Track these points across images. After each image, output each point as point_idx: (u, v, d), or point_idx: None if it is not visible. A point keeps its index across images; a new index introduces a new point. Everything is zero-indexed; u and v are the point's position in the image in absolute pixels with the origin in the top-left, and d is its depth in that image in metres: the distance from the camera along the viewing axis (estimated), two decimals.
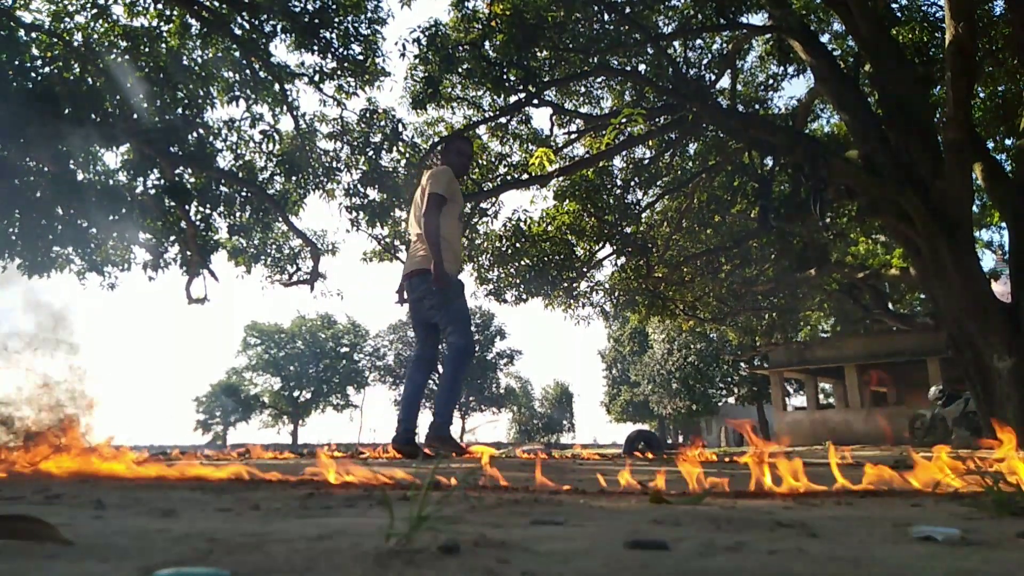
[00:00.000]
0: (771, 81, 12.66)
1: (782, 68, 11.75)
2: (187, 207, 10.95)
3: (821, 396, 25.81)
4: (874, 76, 9.14)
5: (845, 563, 0.85)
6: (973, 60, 7.88)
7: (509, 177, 11.81)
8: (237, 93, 10.52)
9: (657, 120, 11.04)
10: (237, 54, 10.26)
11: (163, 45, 10.03)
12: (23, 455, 2.37)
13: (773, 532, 1.10)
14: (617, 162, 12.96)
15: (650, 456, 5.41)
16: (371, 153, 10.89)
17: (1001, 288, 11.56)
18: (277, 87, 10.62)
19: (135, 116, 9.77)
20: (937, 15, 9.90)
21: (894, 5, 10.24)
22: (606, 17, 9.55)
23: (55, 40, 9.42)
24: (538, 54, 9.99)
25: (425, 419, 4.04)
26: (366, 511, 1.40)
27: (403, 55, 9.87)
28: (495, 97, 11.00)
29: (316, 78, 10.49)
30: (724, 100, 11.45)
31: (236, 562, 0.80)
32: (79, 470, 2.36)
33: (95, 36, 9.82)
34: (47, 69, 9.20)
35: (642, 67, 11.18)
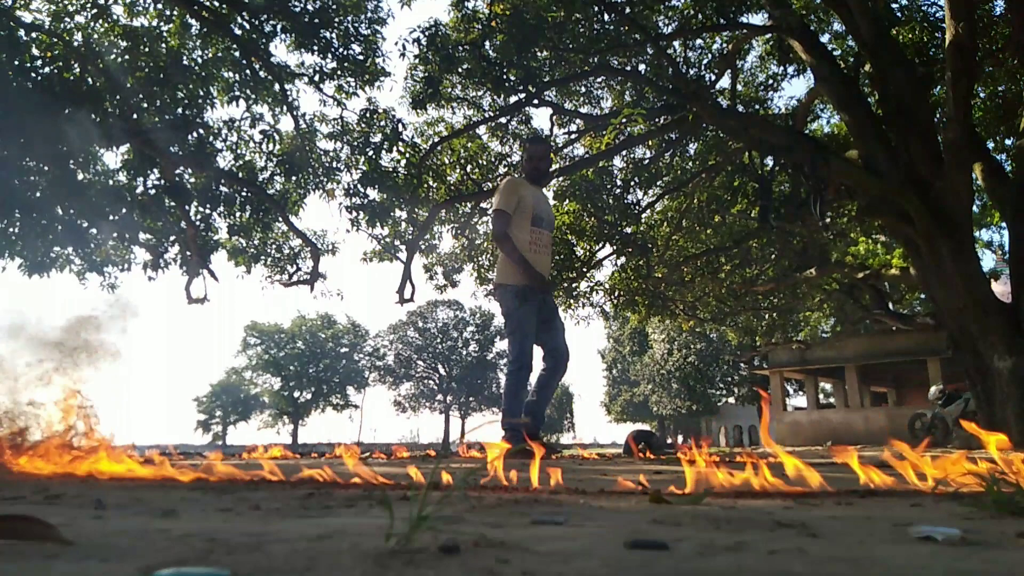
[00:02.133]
0: (771, 81, 12.64)
1: (782, 68, 11.74)
2: (187, 207, 10.94)
3: (821, 396, 25.80)
4: (874, 76, 9.13)
5: (845, 563, 0.85)
6: (973, 60, 7.88)
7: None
8: (237, 93, 10.52)
9: (657, 120, 11.03)
10: (237, 54, 10.25)
11: (163, 45, 10.02)
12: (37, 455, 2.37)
13: (773, 532, 1.10)
14: (617, 162, 12.96)
15: (651, 456, 5.40)
16: (371, 153, 10.89)
17: (1001, 288, 11.55)
18: (277, 87, 10.62)
19: (135, 116, 9.77)
20: (937, 15, 9.90)
21: (894, 5, 10.23)
22: (606, 17, 9.53)
23: (55, 40, 9.41)
24: (538, 54, 9.97)
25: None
26: (366, 511, 1.40)
27: (403, 55, 9.87)
28: (495, 97, 10.99)
29: (316, 78, 10.49)
30: (724, 100, 11.44)
31: (236, 562, 0.80)
32: (80, 471, 2.36)
33: (95, 36, 9.82)
34: (47, 69, 9.20)
35: (642, 67, 11.17)
